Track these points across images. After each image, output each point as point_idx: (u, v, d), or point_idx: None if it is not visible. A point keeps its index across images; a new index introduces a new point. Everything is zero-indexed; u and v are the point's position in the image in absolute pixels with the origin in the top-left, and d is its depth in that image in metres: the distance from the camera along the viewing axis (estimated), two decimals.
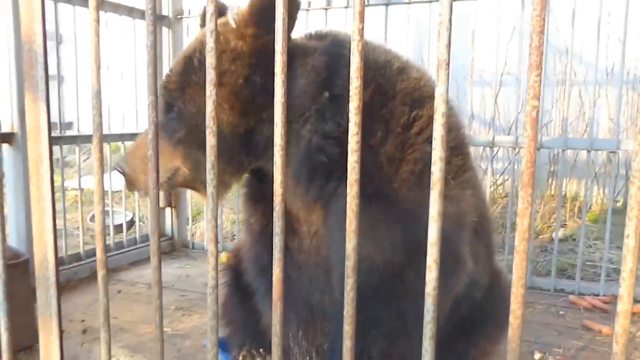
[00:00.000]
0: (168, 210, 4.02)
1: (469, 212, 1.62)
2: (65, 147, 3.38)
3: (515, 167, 3.34)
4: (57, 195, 1.78)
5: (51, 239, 1.33)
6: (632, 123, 4.94)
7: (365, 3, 0.91)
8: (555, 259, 3.21)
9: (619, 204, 4.75)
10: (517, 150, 3.23)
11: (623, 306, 0.78)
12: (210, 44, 1.03)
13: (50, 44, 1.61)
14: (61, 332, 1.38)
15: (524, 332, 0.86)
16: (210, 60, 1.03)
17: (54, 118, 3.00)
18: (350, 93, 0.93)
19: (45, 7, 1.27)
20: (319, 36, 1.68)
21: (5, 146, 2.78)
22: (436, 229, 0.89)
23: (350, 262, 0.96)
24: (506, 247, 3.26)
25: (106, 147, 3.63)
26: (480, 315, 1.75)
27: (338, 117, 1.52)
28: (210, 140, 1.06)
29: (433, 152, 0.87)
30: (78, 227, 3.55)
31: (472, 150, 1.86)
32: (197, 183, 1.68)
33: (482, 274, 1.74)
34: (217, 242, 1.10)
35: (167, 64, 3.78)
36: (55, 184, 1.37)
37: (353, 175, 0.94)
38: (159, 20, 3.77)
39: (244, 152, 1.62)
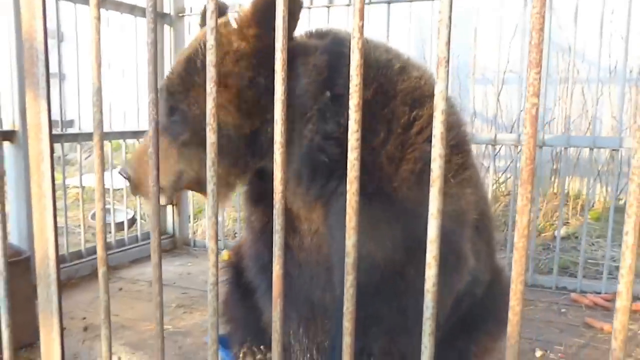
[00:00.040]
0: (169, 208, 4.01)
1: (470, 210, 1.62)
2: (66, 144, 3.38)
3: (518, 165, 3.34)
4: (58, 193, 1.78)
5: (52, 236, 1.33)
6: (634, 121, 4.92)
7: (367, 1, 0.91)
8: (558, 256, 3.20)
9: (622, 202, 4.73)
10: (519, 148, 3.24)
11: (622, 302, 0.78)
12: (210, 41, 1.03)
13: (52, 42, 1.61)
14: (62, 329, 1.38)
15: (525, 329, 0.86)
16: (210, 57, 1.03)
17: (55, 116, 3.00)
18: (350, 90, 0.93)
19: (46, 4, 1.27)
20: (320, 34, 1.68)
21: (6, 144, 2.79)
22: (435, 225, 0.89)
23: (350, 259, 0.96)
24: (508, 244, 3.26)
25: (107, 145, 3.63)
26: (481, 312, 1.75)
27: (339, 117, 1.52)
28: (211, 137, 1.06)
29: (432, 150, 0.87)
30: (79, 225, 3.56)
31: (474, 148, 1.86)
32: (202, 185, 1.67)
33: (483, 270, 1.75)
34: (217, 239, 1.10)
35: (169, 62, 3.79)
36: (56, 182, 1.38)
37: (353, 172, 0.94)
38: (160, 17, 3.77)
39: (249, 153, 1.61)
